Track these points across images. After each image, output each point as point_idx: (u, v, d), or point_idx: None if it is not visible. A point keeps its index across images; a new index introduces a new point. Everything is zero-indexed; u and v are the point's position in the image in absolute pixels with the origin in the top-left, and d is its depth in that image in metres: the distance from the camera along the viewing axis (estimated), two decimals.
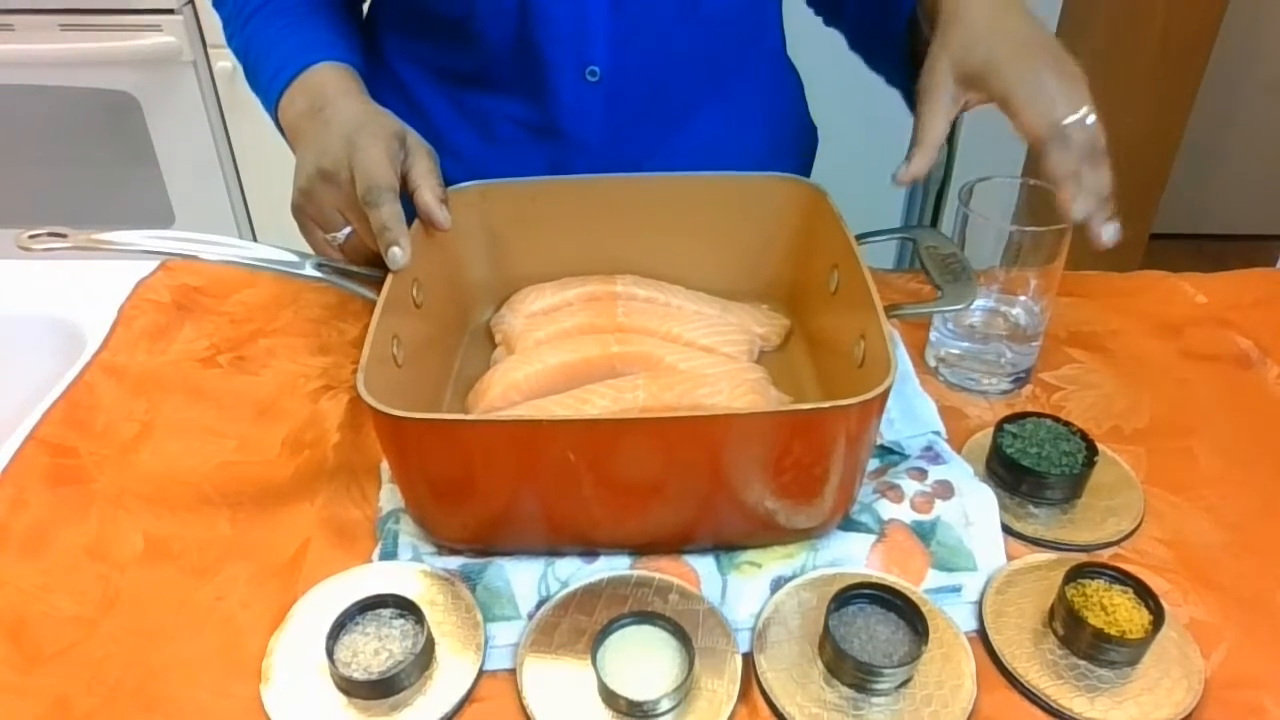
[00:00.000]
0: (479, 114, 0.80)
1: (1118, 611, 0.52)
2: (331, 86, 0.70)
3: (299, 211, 0.67)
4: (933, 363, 0.74)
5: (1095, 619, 0.51)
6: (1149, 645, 0.51)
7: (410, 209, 0.64)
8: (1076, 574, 0.54)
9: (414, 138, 0.67)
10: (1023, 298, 0.70)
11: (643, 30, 0.75)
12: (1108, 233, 0.62)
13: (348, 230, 0.66)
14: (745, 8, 0.81)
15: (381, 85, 0.81)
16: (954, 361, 0.72)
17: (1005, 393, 0.72)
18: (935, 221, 1.80)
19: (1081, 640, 0.51)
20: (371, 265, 0.64)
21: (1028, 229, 0.66)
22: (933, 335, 0.74)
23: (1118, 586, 0.54)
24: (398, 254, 0.60)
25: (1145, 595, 0.53)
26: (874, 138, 1.68)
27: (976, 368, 0.72)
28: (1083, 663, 0.52)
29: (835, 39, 0.87)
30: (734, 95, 0.83)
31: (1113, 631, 0.51)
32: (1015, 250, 0.67)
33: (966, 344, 0.72)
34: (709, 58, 0.80)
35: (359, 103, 0.68)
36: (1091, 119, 0.62)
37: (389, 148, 0.63)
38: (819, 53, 0.91)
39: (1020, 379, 0.72)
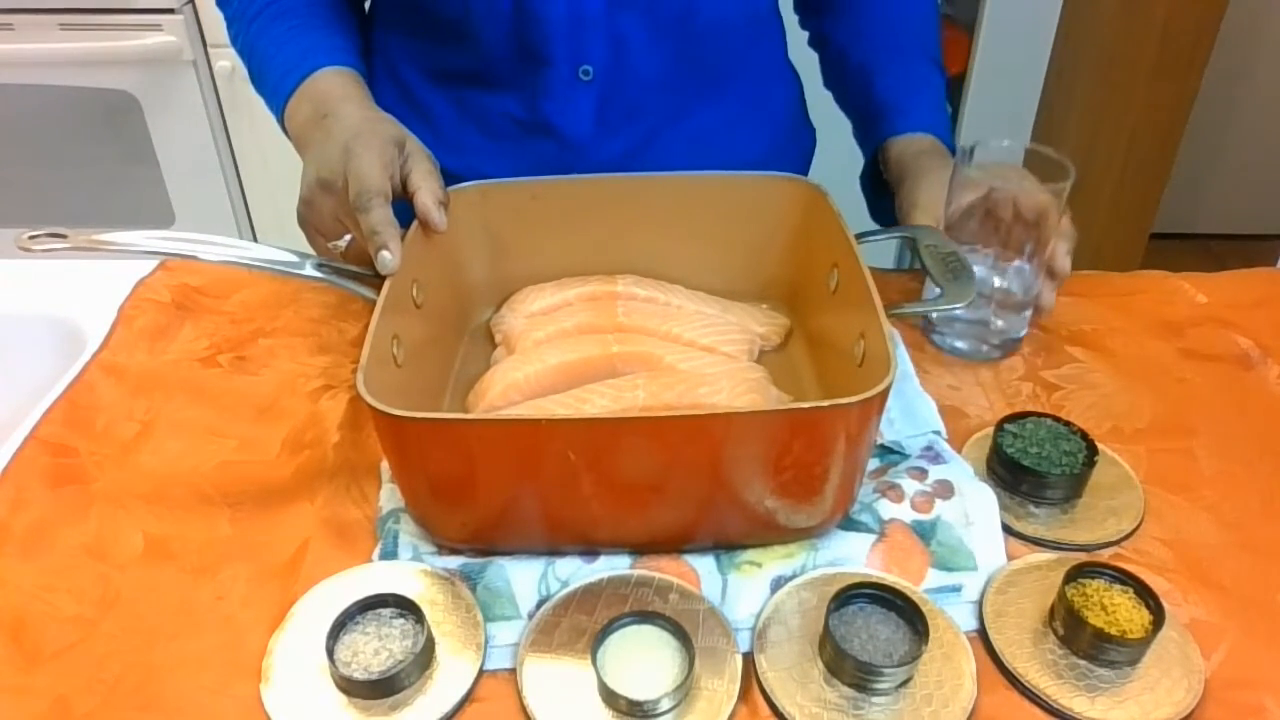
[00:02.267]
0: (478, 111, 0.80)
1: (1118, 611, 0.52)
2: (335, 93, 0.70)
3: (303, 221, 0.68)
4: (922, 326, 0.74)
5: (1095, 619, 0.51)
6: (1149, 645, 0.51)
7: (410, 213, 0.64)
8: (1077, 574, 0.54)
9: (414, 142, 0.67)
10: (1017, 263, 0.70)
11: (638, 33, 0.75)
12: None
13: (348, 238, 0.67)
14: (744, 15, 0.81)
15: (382, 84, 0.82)
16: (943, 326, 0.72)
17: (992, 359, 0.72)
18: None
19: (1082, 640, 0.51)
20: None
21: None
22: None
23: (1118, 586, 0.54)
24: (387, 258, 0.60)
25: (1145, 595, 0.53)
26: None
27: (965, 333, 0.71)
28: (1083, 663, 0.52)
29: None
30: (729, 98, 0.83)
31: (1113, 631, 0.51)
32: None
33: (963, 311, 0.72)
34: (705, 62, 0.80)
35: (360, 110, 0.68)
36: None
37: (383, 154, 0.63)
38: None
39: (1009, 346, 0.72)
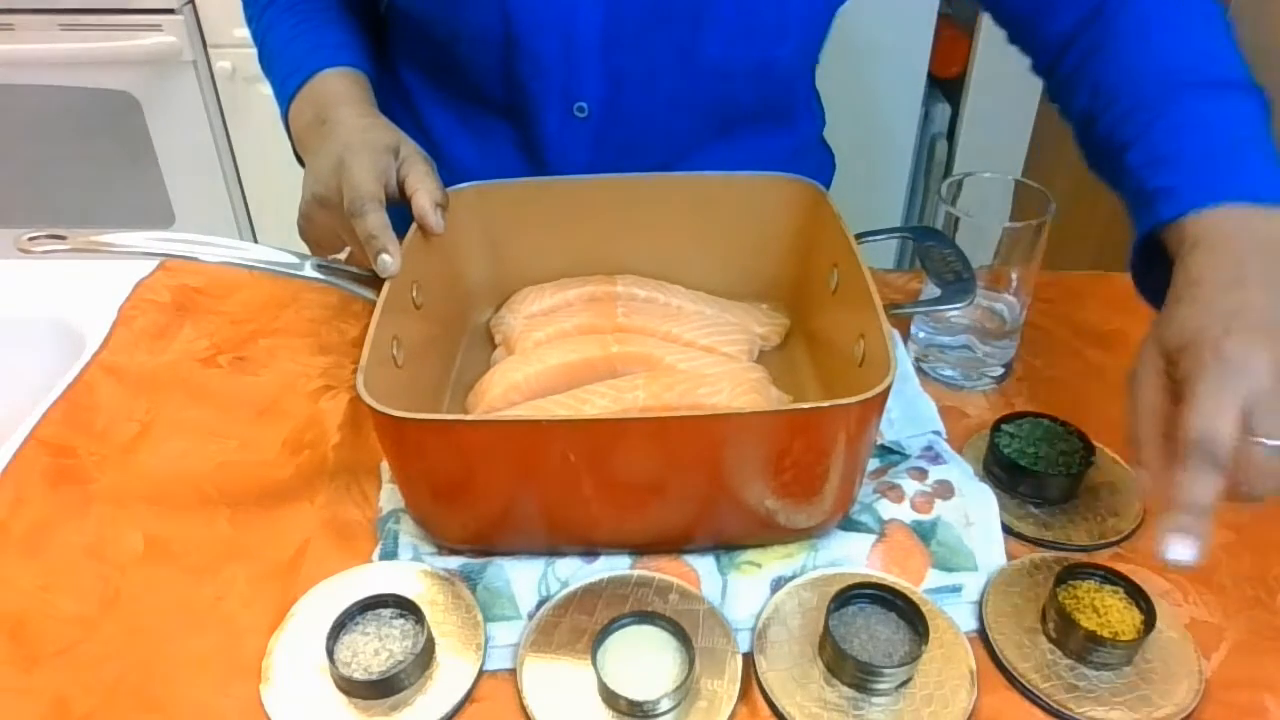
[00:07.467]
0: (476, 128, 0.80)
1: (1110, 613, 0.52)
2: (335, 96, 0.70)
3: (303, 234, 0.68)
4: (915, 358, 0.74)
5: (1087, 621, 0.51)
6: (1141, 646, 0.51)
7: (407, 218, 0.64)
8: (1068, 575, 0.54)
9: (409, 146, 0.66)
10: (1006, 294, 0.70)
11: (636, 72, 0.73)
12: (1173, 551, 0.45)
13: (348, 250, 0.67)
14: (754, 62, 0.75)
15: (387, 90, 0.81)
16: (935, 358, 0.73)
17: (986, 389, 0.72)
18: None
19: (1073, 642, 0.51)
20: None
21: (1010, 225, 0.66)
22: (914, 331, 0.74)
23: (1109, 587, 0.54)
24: (387, 260, 0.59)
25: (1137, 595, 0.53)
26: (874, 137, 1.68)
27: (958, 364, 0.72)
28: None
29: (832, 39, 0.86)
30: (737, 143, 0.81)
31: (1105, 633, 0.51)
32: (997, 246, 0.67)
33: (947, 339, 0.72)
34: (711, 104, 0.77)
35: (357, 115, 0.68)
36: None
37: (375, 161, 0.63)
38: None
39: (1002, 375, 0.72)
